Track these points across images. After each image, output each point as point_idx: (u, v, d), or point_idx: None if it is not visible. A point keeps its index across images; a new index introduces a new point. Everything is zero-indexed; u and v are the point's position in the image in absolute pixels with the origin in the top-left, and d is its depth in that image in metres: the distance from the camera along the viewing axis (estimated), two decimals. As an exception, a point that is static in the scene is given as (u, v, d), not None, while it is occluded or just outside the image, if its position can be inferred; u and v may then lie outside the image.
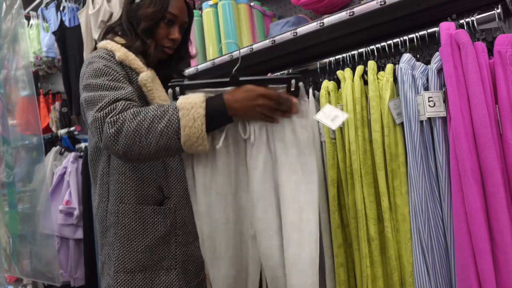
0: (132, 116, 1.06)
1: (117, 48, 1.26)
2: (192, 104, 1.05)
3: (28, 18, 3.39)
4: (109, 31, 1.39)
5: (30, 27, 3.37)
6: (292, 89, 1.04)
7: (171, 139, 1.04)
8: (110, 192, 1.26)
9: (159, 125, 1.04)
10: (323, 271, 1.51)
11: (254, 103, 1.07)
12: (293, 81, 1.00)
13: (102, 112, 1.08)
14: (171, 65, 1.43)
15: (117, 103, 1.09)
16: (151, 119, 1.04)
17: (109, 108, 1.08)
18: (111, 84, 1.16)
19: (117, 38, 1.34)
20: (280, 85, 1.07)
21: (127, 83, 1.20)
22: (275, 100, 1.07)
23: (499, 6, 1.26)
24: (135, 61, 1.26)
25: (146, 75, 1.24)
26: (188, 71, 2.08)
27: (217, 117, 1.08)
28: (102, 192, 1.29)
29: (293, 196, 1.11)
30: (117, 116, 1.06)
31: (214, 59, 1.95)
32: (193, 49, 1.57)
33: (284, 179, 1.11)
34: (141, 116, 1.05)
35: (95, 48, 1.35)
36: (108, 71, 1.19)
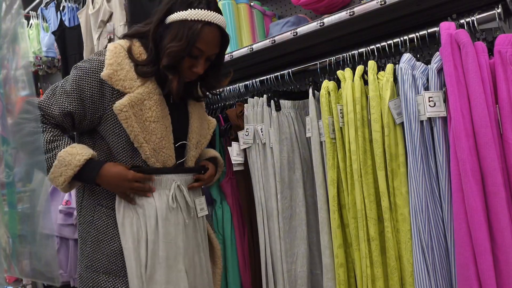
0: (43, 133, 1.22)
1: (109, 64, 1.22)
2: (67, 163, 1.19)
3: (27, 18, 3.39)
4: (136, 35, 1.31)
5: (30, 27, 3.37)
6: (203, 172, 1.43)
7: (46, 169, 1.20)
8: (85, 189, 1.31)
9: (44, 155, 1.20)
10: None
11: (121, 184, 1.23)
12: (203, 171, 1.42)
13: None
14: (190, 87, 1.39)
15: (41, 114, 1.23)
16: (43, 145, 1.20)
17: (40, 111, 1.23)
18: (60, 97, 1.23)
19: (137, 44, 1.29)
20: (198, 172, 1.41)
21: (76, 103, 1.22)
22: (135, 187, 1.24)
23: (499, 6, 1.26)
24: (120, 82, 1.22)
25: (120, 104, 1.21)
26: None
27: (84, 180, 1.26)
28: (78, 186, 1.33)
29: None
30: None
31: (214, 59, 1.94)
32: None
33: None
34: (42, 138, 1.21)
35: (105, 46, 1.35)
36: (71, 88, 1.23)
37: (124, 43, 1.29)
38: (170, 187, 1.29)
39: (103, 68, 1.23)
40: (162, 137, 1.27)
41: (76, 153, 1.21)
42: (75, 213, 2.34)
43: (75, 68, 1.27)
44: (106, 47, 1.30)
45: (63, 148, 1.22)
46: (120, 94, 1.23)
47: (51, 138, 1.22)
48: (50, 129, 1.23)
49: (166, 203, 1.27)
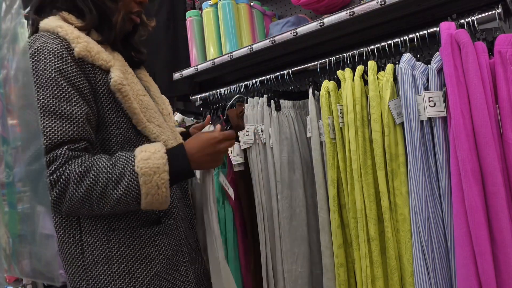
0: (78, 178, 0.87)
1: (74, 37, 0.95)
2: (155, 170, 0.92)
3: (27, 18, 3.39)
4: (45, 2, 1.04)
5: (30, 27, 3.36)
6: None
7: (130, 204, 0.93)
8: (82, 221, 0.99)
9: (115, 191, 0.89)
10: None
11: (216, 151, 1.04)
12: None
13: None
14: (132, 39, 1.17)
15: (58, 151, 0.87)
16: (104, 184, 0.89)
17: (48, 158, 0.86)
18: (58, 106, 0.89)
19: (66, 15, 1.01)
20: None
21: (80, 101, 0.92)
22: (232, 137, 1.07)
23: (499, 6, 1.26)
24: (100, 55, 0.97)
25: (119, 77, 0.98)
26: (188, 71, 2.08)
27: (181, 178, 1.03)
28: (67, 223, 0.99)
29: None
30: (58, 173, 0.86)
31: (214, 59, 1.95)
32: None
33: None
34: (90, 179, 0.88)
35: (36, 29, 1.00)
36: (57, 84, 0.90)
37: (57, 19, 1.00)
38: None
39: (68, 45, 0.94)
40: (155, 111, 1.08)
41: (146, 156, 0.92)
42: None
43: (38, 62, 0.92)
44: (37, 32, 0.99)
45: (126, 159, 0.92)
46: (102, 72, 0.98)
47: (97, 171, 0.89)
48: (69, 172, 0.88)
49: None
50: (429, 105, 1.22)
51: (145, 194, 0.91)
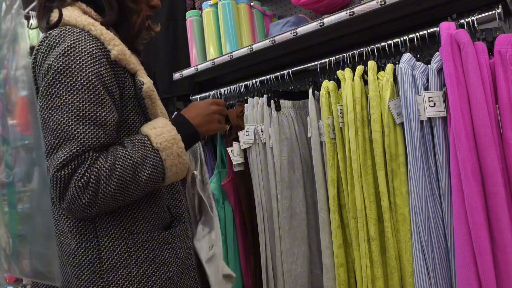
0: (108, 172, 0.86)
1: (110, 39, 0.93)
2: (172, 141, 0.95)
3: (27, 18, 3.39)
4: None
5: (30, 26, 3.37)
6: None
7: (157, 182, 0.94)
8: (98, 225, 0.95)
9: (143, 173, 0.90)
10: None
11: (210, 111, 1.09)
12: None
13: (65, 171, 0.84)
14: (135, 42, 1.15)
15: (86, 155, 0.86)
16: (133, 169, 0.89)
17: (75, 163, 0.85)
18: (94, 112, 0.87)
19: (84, 7, 0.98)
20: None
21: (112, 107, 0.91)
22: (222, 104, 1.14)
23: (499, 6, 1.26)
24: (131, 58, 0.96)
25: (150, 83, 0.98)
26: (188, 71, 2.08)
27: (191, 143, 1.07)
28: (82, 227, 0.95)
29: None
30: (88, 175, 0.84)
31: (214, 59, 1.95)
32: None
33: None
34: (119, 169, 0.87)
35: (59, 20, 0.93)
36: (95, 88, 0.88)
37: (80, 13, 0.96)
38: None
39: (102, 46, 0.92)
40: (165, 116, 1.07)
41: (158, 133, 0.94)
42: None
43: (72, 61, 0.87)
44: (58, 21, 0.93)
45: (141, 140, 0.93)
46: (129, 76, 0.97)
47: (123, 159, 0.88)
48: (98, 169, 0.86)
49: None
50: (429, 105, 1.22)
51: (170, 166, 0.94)
